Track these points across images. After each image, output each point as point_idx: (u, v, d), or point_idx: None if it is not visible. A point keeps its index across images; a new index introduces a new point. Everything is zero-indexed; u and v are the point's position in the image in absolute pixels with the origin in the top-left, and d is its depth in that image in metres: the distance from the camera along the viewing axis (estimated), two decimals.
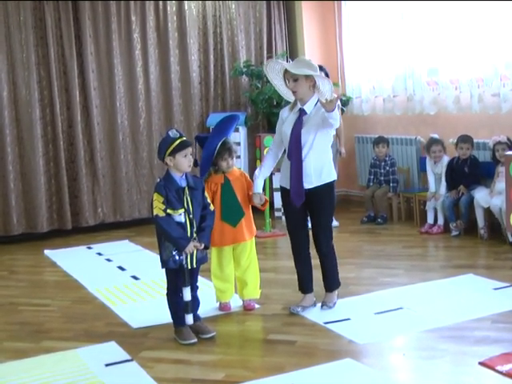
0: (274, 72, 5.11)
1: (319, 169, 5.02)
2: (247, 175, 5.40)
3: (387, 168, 8.71)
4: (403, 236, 7.82)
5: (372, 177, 8.89)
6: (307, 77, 4.95)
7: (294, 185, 5.02)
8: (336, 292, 5.35)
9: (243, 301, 5.43)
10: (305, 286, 5.31)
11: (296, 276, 5.37)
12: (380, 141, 8.83)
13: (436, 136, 8.02)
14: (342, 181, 10.05)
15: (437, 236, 7.65)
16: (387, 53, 9.10)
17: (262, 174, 5.26)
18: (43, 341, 4.95)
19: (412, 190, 8.71)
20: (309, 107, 5.02)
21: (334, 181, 5.13)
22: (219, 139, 5.14)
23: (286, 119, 5.13)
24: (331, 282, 5.30)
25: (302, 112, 5.03)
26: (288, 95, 5.17)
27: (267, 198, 5.35)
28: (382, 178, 8.74)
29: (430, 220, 7.91)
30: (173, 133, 4.59)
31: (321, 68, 8.33)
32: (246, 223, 5.28)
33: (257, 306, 5.42)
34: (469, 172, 7.54)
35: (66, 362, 4.48)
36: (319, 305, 5.28)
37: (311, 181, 5.01)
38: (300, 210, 5.11)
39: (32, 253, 8.08)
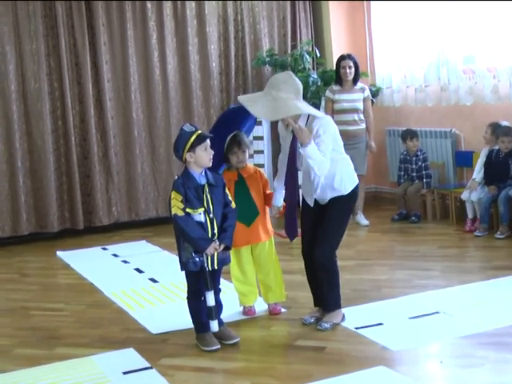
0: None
1: (330, 183, 4.86)
2: (263, 172, 5.40)
3: (419, 163, 8.64)
4: (439, 235, 7.79)
5: (402, 173, 8.83)
6: None
7: (288, 217, 4.98)
8: (338, 313, 5.06)
9: (268, 305, 5.43)
10: (318, 302, 5.18)
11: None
12: (413, 134, 8.75)
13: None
14: (372, 177, 10.03)
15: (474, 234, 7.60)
16: (419, 39, 9.05)
17: (280, 186, 5.14)
18: (57, 347, 4.98)
19: (447, 186, 8.66)
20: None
21: (350, 193, 4.94)
22: (228, 132, 5.14)
23: (282, 135, 5.03)
24: (328, 301, 5.05)
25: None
26: (266, 116, 5.05)
27: (284, 205, 5.24)
28: (414, 174, 8.67)
29: (470, 214, 7.82)
30: (188, 127, 4.60)
31: (349, 57, 8.36)
32: (261, 223, 5.27)
33: (283, 309, 5.42)
34: None
35: (81, 369, 4.50)
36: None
37: (325, 197, 4.90)
38: (311, 219, 5.00)
39: (43, 254, 8.15)
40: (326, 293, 5.04)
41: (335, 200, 4.91)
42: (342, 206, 4.94)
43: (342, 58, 8.41)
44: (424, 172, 8.61)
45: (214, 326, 4.69)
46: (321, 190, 4.88)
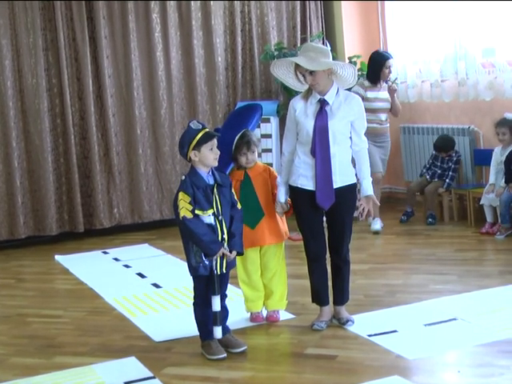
0: (282, 68, 5.05)
1: (345, 167, 5.00)
2: (273, 170, 5.39)
3: (450, 164, 8.56)
4: (456, 238, 7.76)
5: (428, 167, 8.76)
6: None
7: (322, 184, 4.96)
8: None
9: (267, 311, 5.43)
10: (323, 297, 5.21)
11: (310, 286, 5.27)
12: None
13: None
14: (386, 177, 9.97)
15: (494, 237, 7.57)
16: (435, 30, 9.02)
17: (284, 181, 5.15)
18: (55, 356, 4.99)
19: (465, 186, 8.63)
20: (330, 97, 4.94)
21: (355, 182, 5.12)
22: (236, 132, 5.15)
23: (302, 111, 5.03)
24: (346, 294, 5.22)
25: (323, 103, 4.94)
26: (298, 87, 5.12)
27: (290, 203, 5.24)
28: (439, 172, 8.61)
29: (490, 218, 7.80)
30: (194, 124, 4.61)
31: (391, 56, 8.31)
32: (268, 225, 5.26)
33: (292, 316, 5.42)
34: None
35: (80, 379, 4.51)
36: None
37: (336, 180, 4.97)
38: (319, 213, 5.07)
39: (41, 258, 8.17)
40: (346, 286, 5.19)
41: (344, 193, 4.99)
42: (353, 198, 5.12)
43: (386, 58, 8.30)
44: (450, 173, 8.51)
45: (218, 332, 4.69)
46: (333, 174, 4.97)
